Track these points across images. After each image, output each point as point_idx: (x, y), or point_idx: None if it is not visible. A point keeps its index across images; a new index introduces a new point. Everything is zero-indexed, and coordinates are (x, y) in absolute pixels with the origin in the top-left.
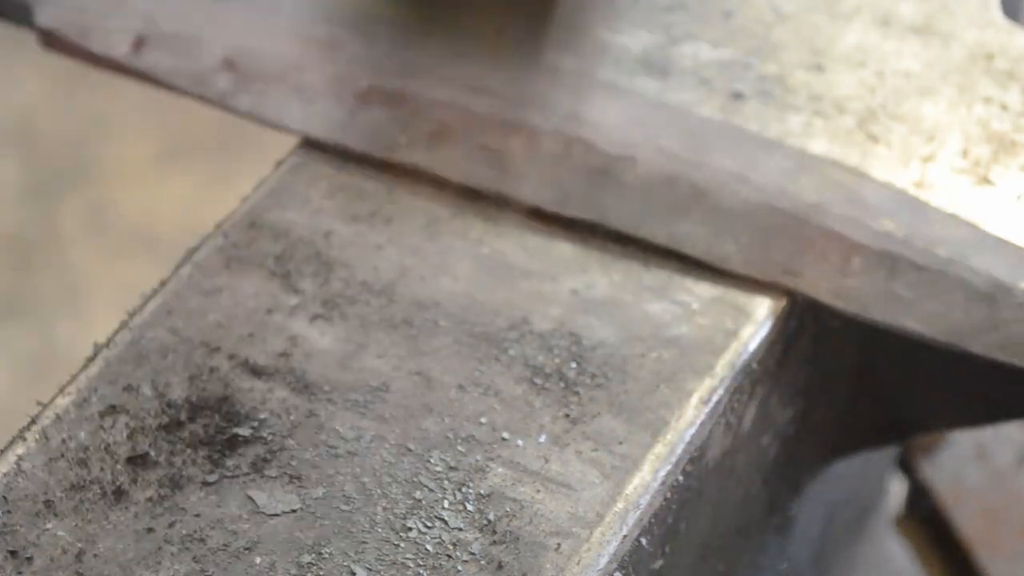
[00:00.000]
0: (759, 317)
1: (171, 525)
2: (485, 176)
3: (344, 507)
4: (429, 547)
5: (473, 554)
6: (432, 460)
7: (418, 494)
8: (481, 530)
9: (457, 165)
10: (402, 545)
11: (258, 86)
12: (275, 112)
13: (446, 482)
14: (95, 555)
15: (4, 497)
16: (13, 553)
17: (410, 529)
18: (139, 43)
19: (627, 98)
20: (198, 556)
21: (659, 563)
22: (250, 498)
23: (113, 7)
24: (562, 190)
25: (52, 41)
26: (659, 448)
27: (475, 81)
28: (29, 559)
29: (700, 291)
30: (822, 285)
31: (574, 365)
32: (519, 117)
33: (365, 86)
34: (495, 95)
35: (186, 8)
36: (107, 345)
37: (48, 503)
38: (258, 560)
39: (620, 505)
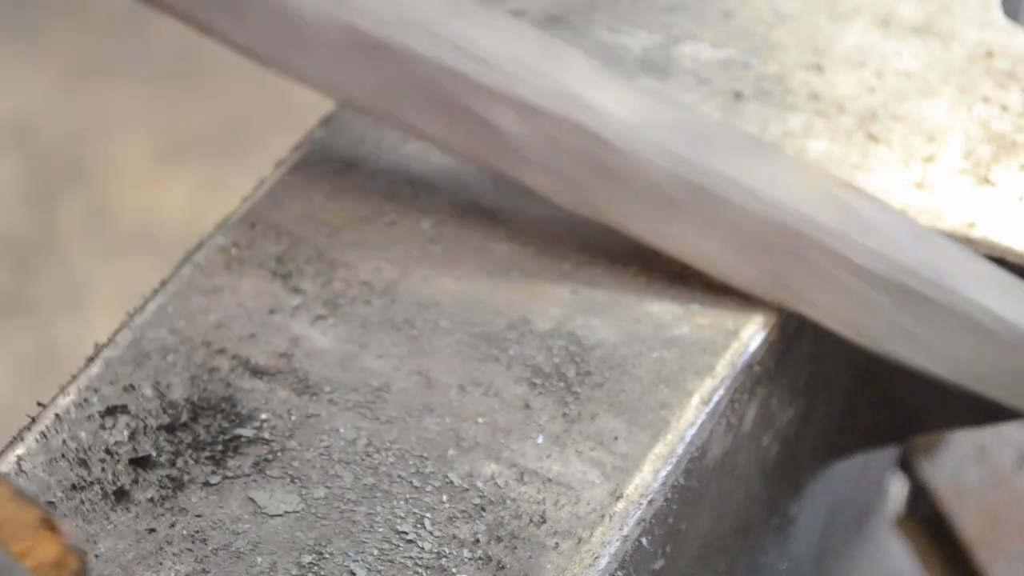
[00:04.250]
0: (759, 318)
1: (172, 525)
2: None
3: (345, 507)
4: (429, 547)
5: (473, 554)
6: (432, 460)
7: (418, 494)
8: (481, 530)
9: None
10: (402, 545)
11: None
12: None
13: (446, 482)
14: (96, 555)
15: None
16: None
17: (410, 529)
18: None
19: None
20: (199, 556)
21: (660, 563)
22: (251, 499)
23: None
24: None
25: None
26: (659, 448)
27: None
28: None
29: (700, 291)
30: (819, 304)
31: (574, 365)
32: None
33: None
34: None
35: None
36: (107, 345)
37: (49, 503)
38: (259, 560)
39: (620, 505)
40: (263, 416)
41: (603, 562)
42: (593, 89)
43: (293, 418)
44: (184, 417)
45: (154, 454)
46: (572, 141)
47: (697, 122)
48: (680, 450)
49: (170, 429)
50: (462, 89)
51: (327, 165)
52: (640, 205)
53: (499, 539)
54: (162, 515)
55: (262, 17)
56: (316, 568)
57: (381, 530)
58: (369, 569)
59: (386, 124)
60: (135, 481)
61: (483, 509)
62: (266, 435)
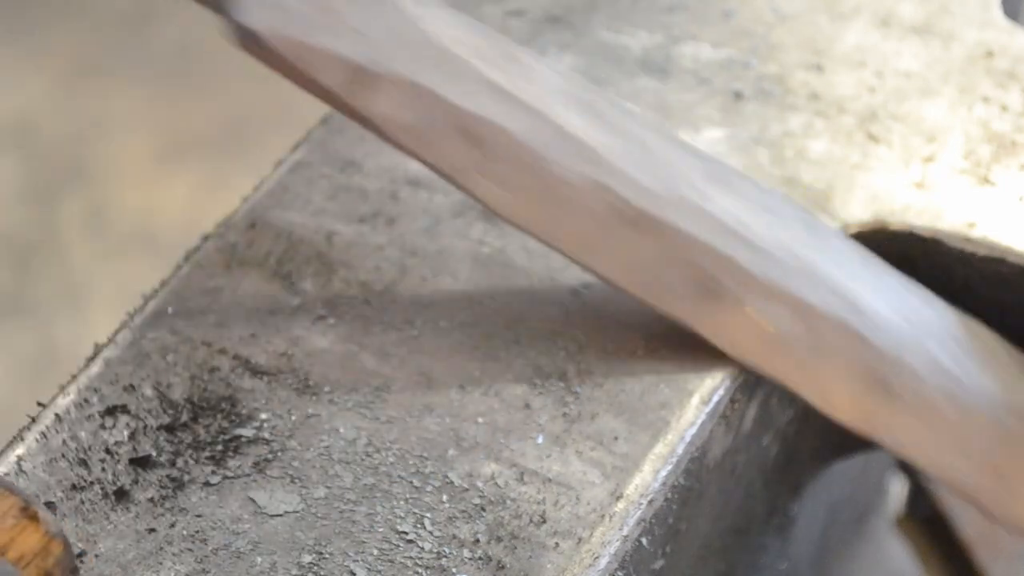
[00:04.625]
0: None
1: (172, 525)
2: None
3: (345, 507)
4: (429, 547)
5: (473, 554)
6: (432, 460)
7: (418, 494)
8: (481, 530)
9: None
10: (402, 545)
11: (501, 167)
12: None
13: (446, 482)
14: (96, 555)
15: None
16: None
17: (410, 529)
18: (365, 79)
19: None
20: (199, 556)
21: (660, 563)
22: (251, 499)
23: (340, 26)
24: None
25: (253, 44)
26: (659, 448)
27: None
28: None
29: None
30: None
31: (574, 365)
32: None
33: None
34: None
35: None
36: (107, 345)
37: (49, 503)
38: (259, 560)
39: (620, 505)
40: (263, 416)
41: (603, 562)
42: (857, 284)
43: (293, 418)
44: (184, 417)
45: (154, 454)
46: (842, 344)
47: (958, 325)
48: (680, 450)
49: (170, 429)
50: (733, 278)
51: (327, 165)
52: (921, 427)
53: (499, 539)
54: (162, 515)
55: (517, 174)
56: (316, 568)
57: (381, 530)
58: (369, 569)
59: (643, 302)
60: (135, 481)
61: (483, 509)
62: (266, 435)
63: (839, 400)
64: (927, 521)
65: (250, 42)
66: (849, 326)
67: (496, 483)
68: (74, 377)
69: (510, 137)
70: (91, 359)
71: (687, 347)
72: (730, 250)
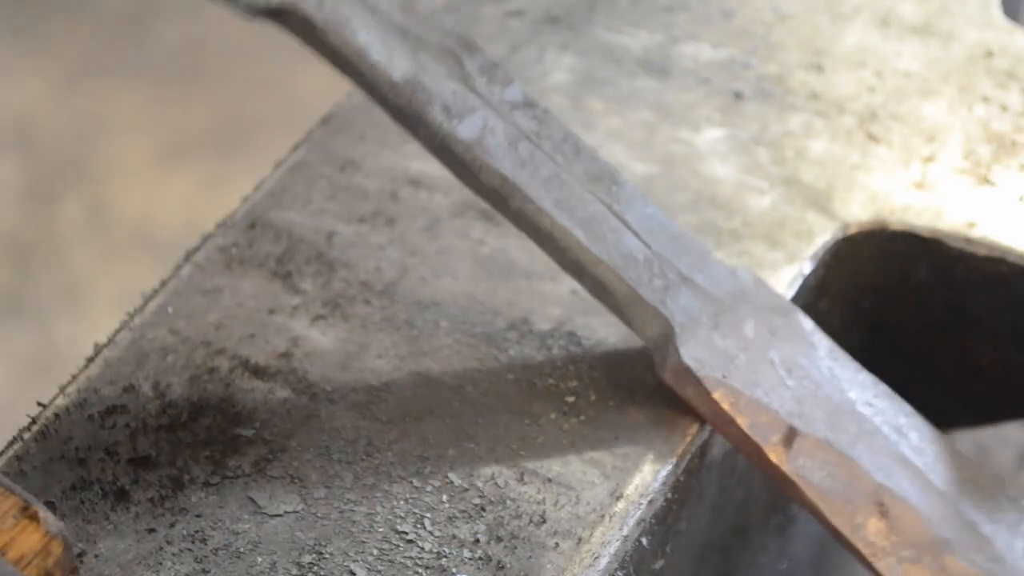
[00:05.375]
0: None
1: (172, 525)
2: None
3: (345, 507)
4: (429, 547)
5: (473, 554)
6: (432, 460)
7: (418, 494)
8: (481, 530)
9: None
10: (402, 545)
11: (902, 541)
12: None
13: (446, 482)
14: (96, 555)
15: None
16: None
17: (410, 529)
18: (790, 438)
19: None
20: (199, 556)
21: (660, 563)
22: (251, 499)
23: (773, 381)
24: None
25: (684, 384)
26: (659, 448)
27: None
28: None
29: None
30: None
31: (574, 365)
32: None
33: None
34: None
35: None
36: (107, 345)
37: (49, 503)
38: (259, 560)
39: (620, 505)
40: (263, 416)
41: (603, 562)
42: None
43: (293, 418)
44: (184, 417)
45: (154, 454)
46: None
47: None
48: (680, 450)
49: (170, 429)
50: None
51: (327, 165)
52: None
53: (499, 539)
54: (162, 515)
55: (919, 552)
56: (316, 568)
57: (381, 530)
58: (369, 569)
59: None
60: (135, 481)
61: (483, 509)
62: (266, 435)
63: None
64: None
65: (683, 379)
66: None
67: (496, 483)
68: (74, 377)
69: (920, 519)
70: (91, 359)
71: None
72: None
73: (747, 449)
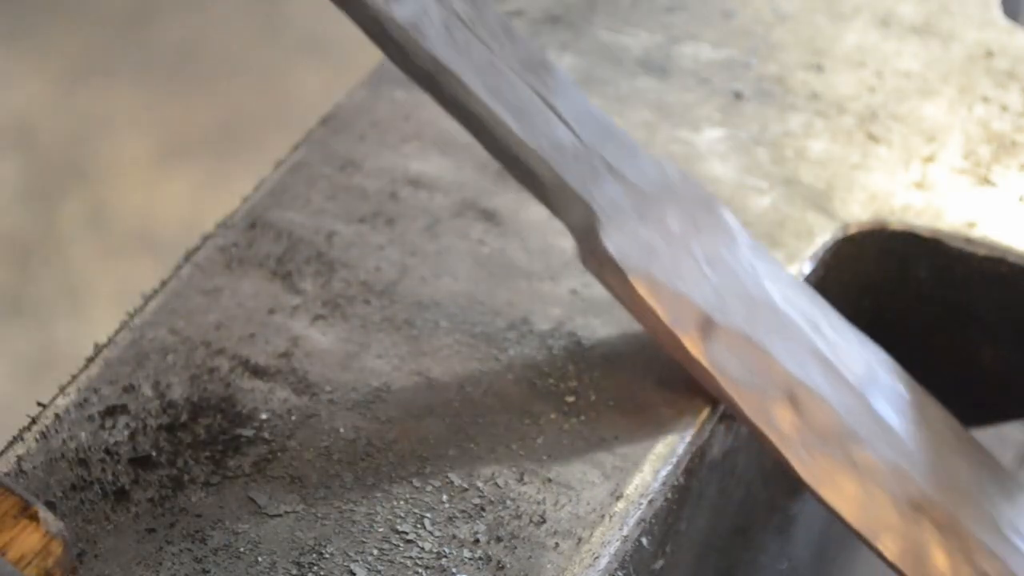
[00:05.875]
0: None
1: (172, 525)
2: None
3: (345, 507)
4: (429, 547)
5: (473, 554)
6: (432, 460)
7: (418, 494)
8: (481, 530)
9: None
10: (402, 545)
11: (813, 436)
12: None
13: (446, 482)
14: (96, 555)
15: None
16: None
17: (410, 529)
18: (707, 329)
19: None
20: (199, 556)
21: (660, 563)
22: (251, 499)
23: (694, 273)
24: None
25: (606, 273)
26: (659, 448)
27: None
28: None
29: None
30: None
31: (574, 365)
32: None
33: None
34: None
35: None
36: (107, 345)
37: (49, 503)
38: (259, 560)
39: (620, 505)
40: (263, 416)
41: (603, 562)
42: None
43: (293, 418)
44: (184, 417)
45: (154, 454)
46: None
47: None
48: (680, 450)
49: (170, 429)
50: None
51: (327, 165)
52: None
53: (499, 539)
54: (162, 515)
55: (826, 445)
56: (316, 568)
57: (381, 530)
58: (369, 569)
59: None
60: (135, 481)
61: (483, 509)
62: (266, 435)
63: None
64: None
65: (605, 267)
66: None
67: (496, 483)
68: (74, 377)
69: (831, 411)
70: (91, 359)
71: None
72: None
73: (665, 340)
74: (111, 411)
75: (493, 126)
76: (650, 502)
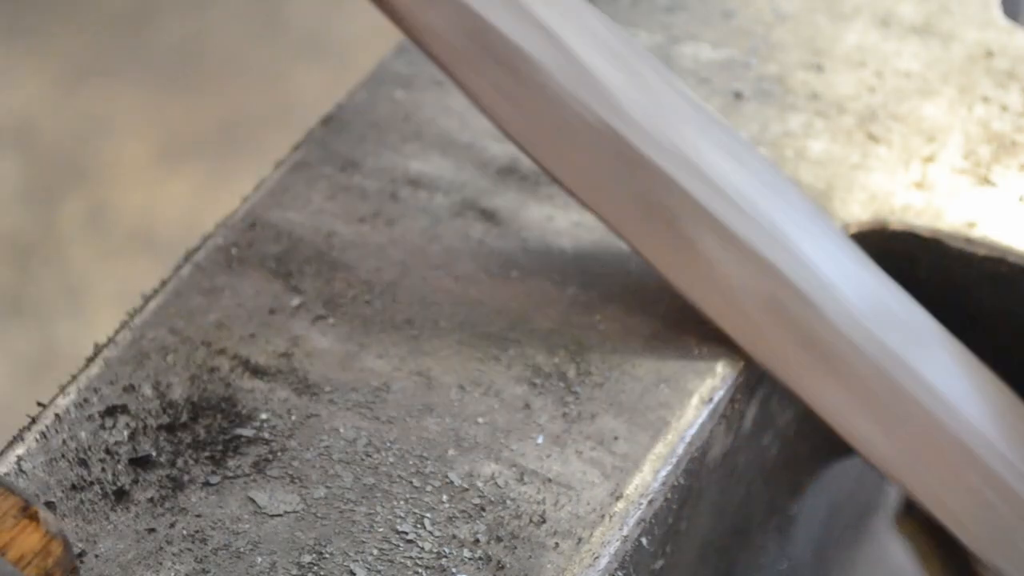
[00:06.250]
0: None
1: (172, 525)
2: None
3: (345, 507)
4: (429, 547)
5: (473, 554)
6: (432, 460)
7: (418, 494)
8: (481, 530)
9: None
10: (402, 545)
11: (525, 94)
12: None
13: (446, 482)
14: (96, 555)
15: None
16: None
17: (410, 529)
18: None
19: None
20: (199, 556)
21: (659, 563)
22: (251, 499)
23: None
24: None
25: None
26: (659, 448)
27: None
28: None
29: None
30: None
31: (574, 365)
32: None
33: None
34: None
35: None
36: (107, 345)
37: (49, 503)
38: (259, 560)
39: (620, 505)
40: (263, 416)
41: (603, 562)
42: (824, 258)
43: (293, 418)
44: (184, 417)
45: (154, 454)
46: (796, 311)
47: (903, 310)
48: (680, 450)
49: (170, 429)
50: (692, 215)
51: (327, 165)
52: (836, 390)
53: (499, 539)
54: (162, 515)
55: (537, 113)
56: (316, 568)
57: (381, 530)
58: (369, 569)
59: (600, 219)
60: (135, 481)
61: (483, 509)
62: (266, 435)
63: (779, 359)
64: (927, 521)
65: None
66: (804, 295)
67: (496, 483)
68: (74, 377)
69: (540, 70)
70: (91, 359)
71: (687, 348)
72: (696, 191)
73: (389, 11)
74: (111, 411)
75: None
76: (650, 502)
